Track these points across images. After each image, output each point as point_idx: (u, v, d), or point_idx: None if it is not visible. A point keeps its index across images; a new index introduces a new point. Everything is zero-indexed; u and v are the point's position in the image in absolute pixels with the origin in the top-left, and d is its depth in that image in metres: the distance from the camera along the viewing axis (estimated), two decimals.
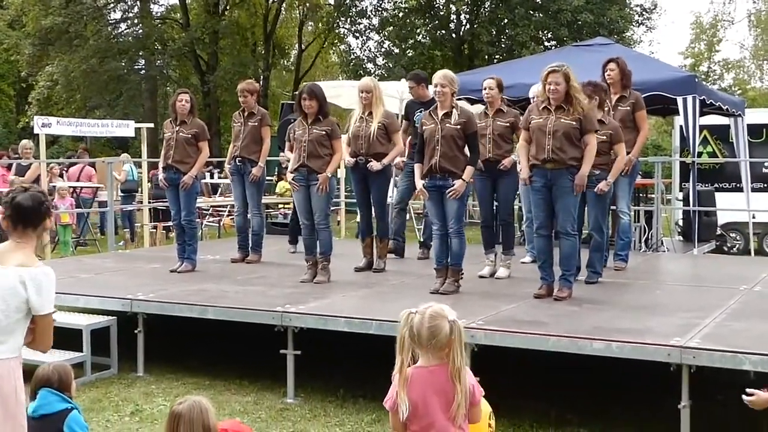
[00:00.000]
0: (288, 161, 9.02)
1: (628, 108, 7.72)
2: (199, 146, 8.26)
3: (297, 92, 14.25)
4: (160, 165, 8.45)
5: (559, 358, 5.52)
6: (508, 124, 7.73)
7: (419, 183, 6.88)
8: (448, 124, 6.66)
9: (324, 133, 7.32)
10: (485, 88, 7.80)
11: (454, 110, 6.70)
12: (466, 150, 6.76)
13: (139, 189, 15.39)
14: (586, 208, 7.39)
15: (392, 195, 9.70)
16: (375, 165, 7.82)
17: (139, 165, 15.73)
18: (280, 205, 15.98)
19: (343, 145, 7.82)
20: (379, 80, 9.24)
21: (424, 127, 6.81)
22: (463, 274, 6.92)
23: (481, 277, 7.65)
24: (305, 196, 7.43)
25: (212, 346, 7.38)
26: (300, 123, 7.46)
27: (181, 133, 8.19)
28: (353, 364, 6.71)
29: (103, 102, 28.90)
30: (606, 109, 7.49)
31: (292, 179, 7.49)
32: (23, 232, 3.50)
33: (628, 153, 7.51)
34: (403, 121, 8.81)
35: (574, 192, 6.49)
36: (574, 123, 6.39)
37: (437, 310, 3.18)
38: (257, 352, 6.84)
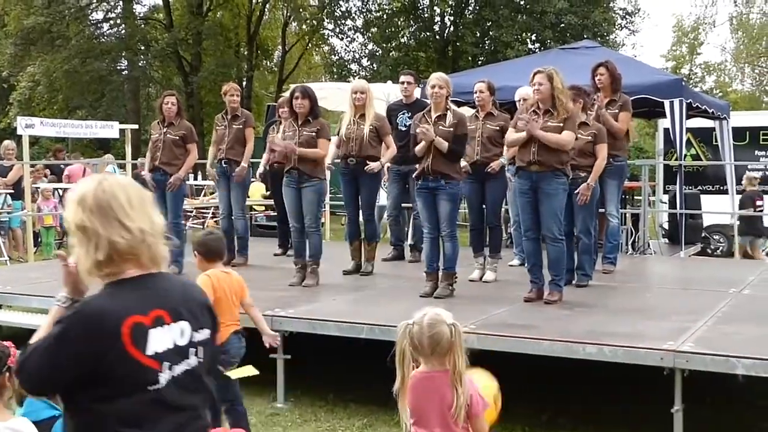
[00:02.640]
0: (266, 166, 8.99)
1: (617, 111, 7.70)
2: (188, 148, 8.20)
3: (283, 94, 14.16)
4: (147, 167, 8.37)
5: (550, 361, 5.50)
6: (498, 128, 7.69)
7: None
8: (441, 127, 6.62)
9: (314, 134, 7.25)
10: (476, 91, 7.76)
11: (449, 113, 6.67)
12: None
13: None
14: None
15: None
16: (373, 166, 7.73)
17: (122, 166, 15.60)
18: (258, 208, 15.86)
19: (331, 147, 7.76)
20: None
21: (417, 129, 6.76)
22: (456, 278, 6.88)
23: (471, 280, 7.62)
24: (296, 198, 7.37)
25: None
26: (290, 125, 7.38)
27: (168, 135, 8.12)
28: (343, 368, 6.67)
29: (85, 103, 28.67)
30: (591, 112, 7.47)
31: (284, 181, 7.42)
32: None
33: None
34: None
35: (568, 198, 6.49)
36: (561, 125, 6.37)
37: (434, 316, 3.11)
38: (246, 356, 6.76)
